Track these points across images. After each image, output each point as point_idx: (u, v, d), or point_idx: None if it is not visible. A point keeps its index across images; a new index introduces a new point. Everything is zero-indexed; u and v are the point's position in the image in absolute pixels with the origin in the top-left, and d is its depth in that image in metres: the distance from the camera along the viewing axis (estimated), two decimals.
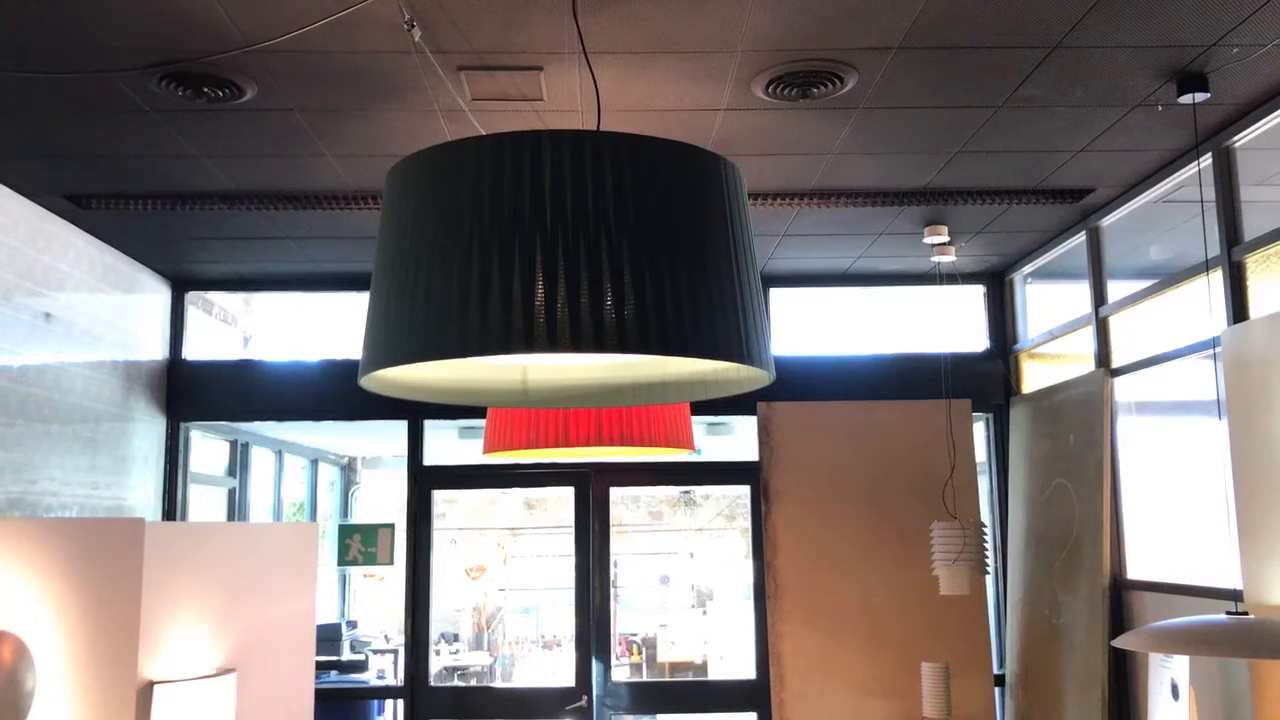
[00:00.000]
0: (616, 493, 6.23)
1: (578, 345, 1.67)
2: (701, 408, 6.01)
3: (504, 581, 11.50)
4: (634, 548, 12.21)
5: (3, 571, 3.67)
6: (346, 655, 7.66)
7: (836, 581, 5.75)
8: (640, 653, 9.82)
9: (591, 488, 6.12)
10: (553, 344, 1.67)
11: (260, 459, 7.90)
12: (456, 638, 10.45)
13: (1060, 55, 3.36)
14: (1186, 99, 3.64)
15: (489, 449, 4.05)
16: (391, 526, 6.30)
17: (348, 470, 10.66)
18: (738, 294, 1.89)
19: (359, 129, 3.85)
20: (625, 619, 10.39)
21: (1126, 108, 3.82)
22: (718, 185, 1.91)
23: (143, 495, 5.70)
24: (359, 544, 6.20)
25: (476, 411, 5.77)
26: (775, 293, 6.35)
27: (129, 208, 4.64)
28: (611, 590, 10.22)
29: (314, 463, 9.72)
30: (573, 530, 6.10)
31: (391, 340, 1.81)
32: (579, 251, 1.72)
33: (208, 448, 6.94)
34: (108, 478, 5.30)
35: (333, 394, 6.09)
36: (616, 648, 10.02)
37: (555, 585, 10.90)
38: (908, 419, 5.94)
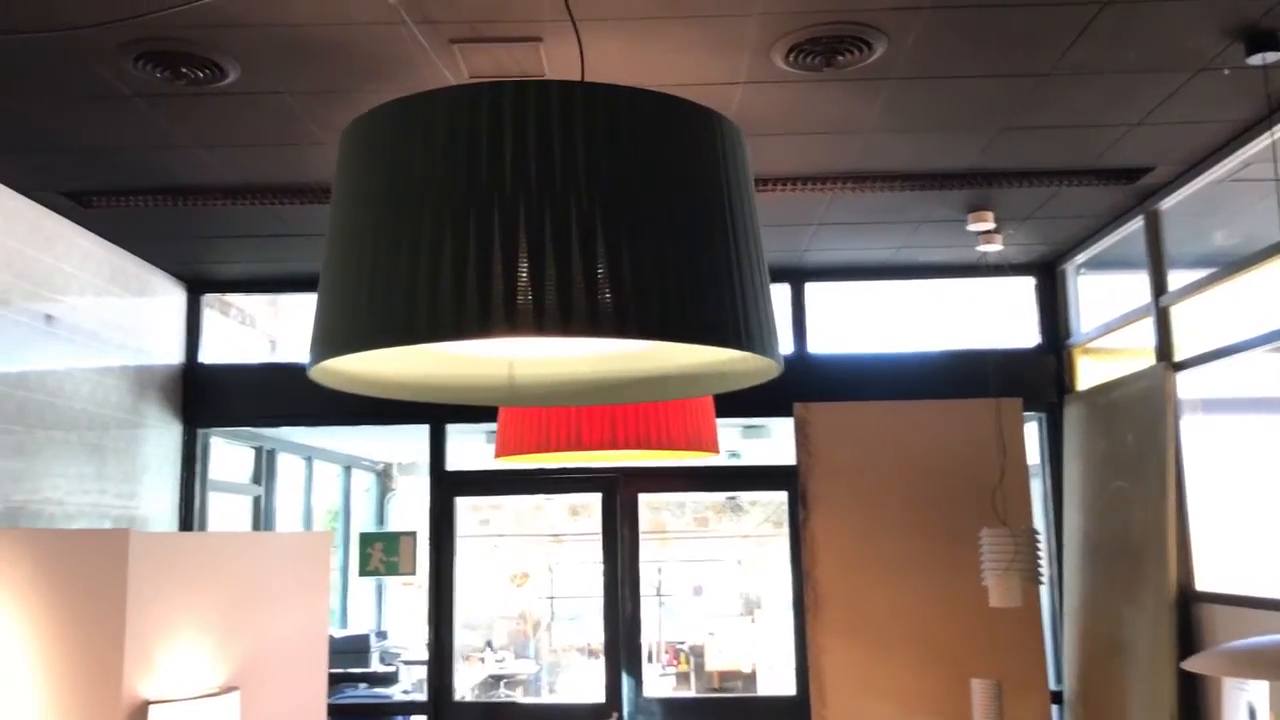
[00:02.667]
0: (661, 499, 5.98)
1: (541, 328, 1.43)
2: (735, 409, 5.70)
3: (548, 589, 11.31)
4: (680, 554, 11.99)
5: None
6: (377, 667, 7.46)
7: (880, 592, 5.43)
8: (688, 661, 9.63)
9: (619, 493, 5.86)
10: (512, 327, 1.42)
11: (289, 466, 7.75)
12: (505, 645, 10.29)
13: (1112, 12, 3.03)
14: (1256, 60, 3.29)
15: (500, 453, 3.82)
16: (414, 534, 6.08)
17: (383, 476, 10.50)
18: (734, 270, 1.61)
19: (353, 113, 3.62)
20: (672, 627, 10.19)
21: (1188, 73, 3.47)
22: (711, 145, 1.64)
23: (156, 504, 5.53)
24: (380, 552, 5.99)
25: None
26: (811, 287, 6.04)
27: (130, 204, 4.46)
28: (656, 598, 9.97)
29: (347, 469, 9.58)
30: (592, 538, 5.84)
31: (339, 325, 1.57)
32: (544, 221, 1.47)
33: (231, 455, 6.79)
34: (118, 486, 5.13)
35: (352, 398, 5.87)
36: (664, 656, 9.80)
37: (598, 593, 10.66)
38: (954, 419, 5.59)
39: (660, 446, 3.56)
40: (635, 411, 3.52)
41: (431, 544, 5.85)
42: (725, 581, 11.25)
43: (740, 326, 1.57)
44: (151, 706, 3.59)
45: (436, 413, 5.87)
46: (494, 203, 1.45)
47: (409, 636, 9.08)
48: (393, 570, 5.98)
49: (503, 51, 3.15)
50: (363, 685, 7.08)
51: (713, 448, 3.78)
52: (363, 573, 6.06)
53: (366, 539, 6.13)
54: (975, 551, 4.92)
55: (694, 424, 3.67)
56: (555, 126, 1.49)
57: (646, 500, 6.04)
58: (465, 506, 10.49)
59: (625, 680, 5.67)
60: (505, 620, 10.67)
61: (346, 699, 6.32)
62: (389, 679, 7.26)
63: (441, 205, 1.47)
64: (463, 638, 9.86)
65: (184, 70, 3.18)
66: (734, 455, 8.62)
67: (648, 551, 10.47)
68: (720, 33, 3.09)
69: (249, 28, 2.99)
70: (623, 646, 5.71)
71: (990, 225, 5.03)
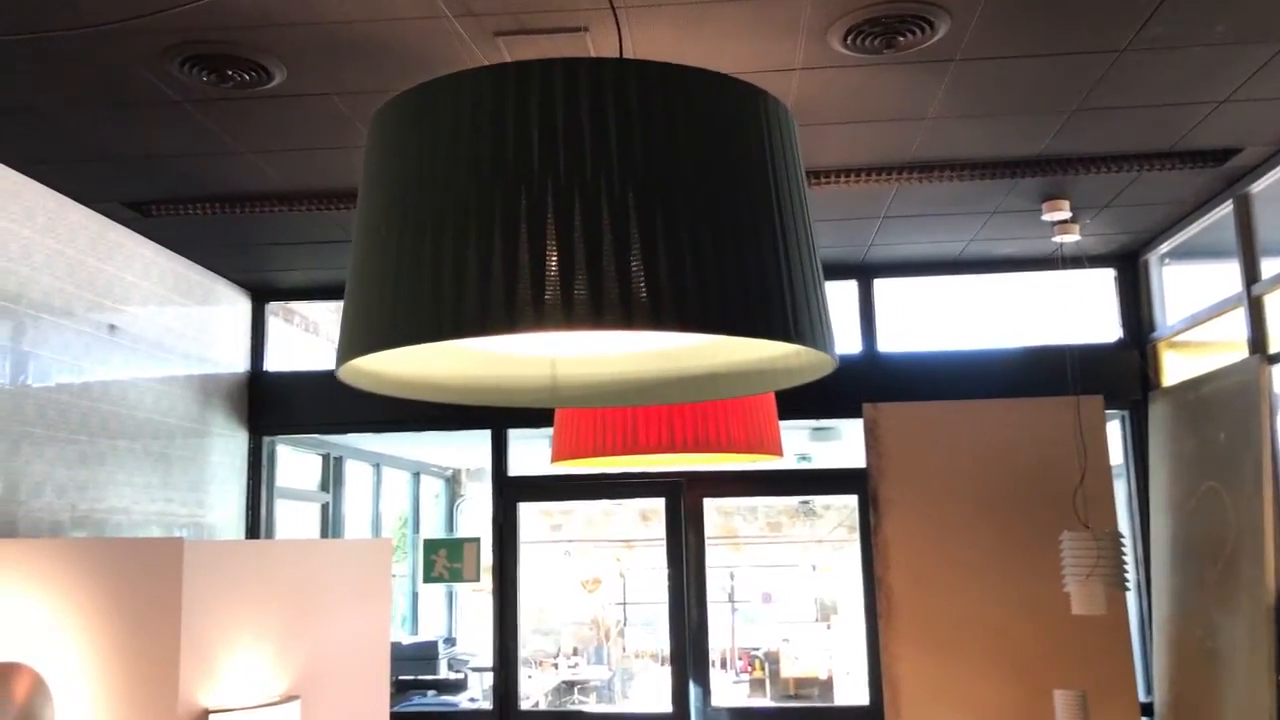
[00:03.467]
0: (732, 503, 5.85)
1: (571, 322, 1.32)
2: (803, 411, 5.57)
3: (620, 594, 11.25)
4: (753, 560, 11.84)
5: (28, 596, 3.49)
6: (445, 674, 7.43)
7: (955, 599, 5.22)
8: (763, 668, 9.47)
9: (683, 498, 5.73)
10: (540, 321, 1.32)
11: (356, 472, 7.77)
12: (576, 651, 10.24)
13: None
14: None
15: (556, 457, 3.73)
16: (478, 540, 6.03)
17: (452, 482, 10.52)
18: (781, 259, 1.49)
19: None
20: (746, 633, 10.05)
21: (1278, 45, 3.24)
22: (755, 124, 1.51)
23: (223, 512, 5.56)
24: (444, 559, 5.95)
25: None
26: (880, 284, 5.85)
27: (189, 213, 4.48)
28: (729, 604, 9.82)
29: (416, 475, 9.60)
30: (664, 543, 5.72)
31: (363, 323, 1.49)
32: (573, 208, 1.36)
33: (298, 462, 6.81)
34: (184, 494, 5.16)
35: (417, 404, 5.84)
36: (738, 662, 9.65)
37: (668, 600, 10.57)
38: (1032, 418, 5.36)
39: (720, 449, 3.43)
40: (693, 412, 3.40)
41: (494, 550, 5.79)
42: (800, 587, 11.07)
43: (789, 318, 1.45)
44: (212, 715, 3.57)
45: (498, 418, 5.81)
46: (520, 190, 1.36)
47: (479, 643, 9.07)
48: (457, 577, 5.93)
49: (547, 43, 3.06)
50: (431, 692, 7.06)
51: (776, 450, 3.63)
52: (427, 579, 6.03)
53: (430, 545, 6.09)
54: (1056, 556, 4.70)
55: (755, 426, 3.53)
56: (585, 107, 1.39)
57: (717, 505, 5.92)
58: (535, 512, 10.47)
59: (693, 689, 5.55)
60: (578, 626, 10.62)
61: (412, 707, 6.29)
62: (457, 686, 7.23)
63: (465, 193, 1.38)
64: (535, 643, 9.84)
65: (230, 73, 3.15)
66: (803, 459, 8.45)
67: (721, 557, 10.34)
68: (773, 14, 2.96)
69: (290, 27, 2.94)
70: (690, 654, 5.59)
71: (1066, 214, 4.80)
